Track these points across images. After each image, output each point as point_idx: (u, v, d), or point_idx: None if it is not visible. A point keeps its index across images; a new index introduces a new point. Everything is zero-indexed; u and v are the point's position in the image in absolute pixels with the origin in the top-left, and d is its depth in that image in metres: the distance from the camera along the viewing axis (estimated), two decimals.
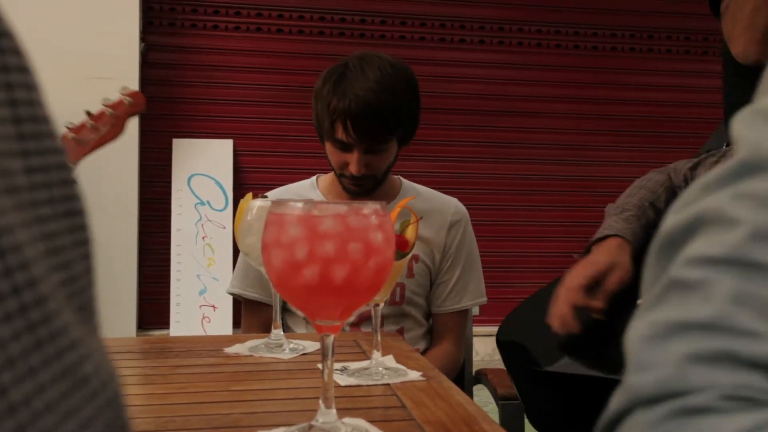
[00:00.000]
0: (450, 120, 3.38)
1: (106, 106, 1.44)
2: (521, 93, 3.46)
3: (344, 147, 1.40)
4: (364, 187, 1.44)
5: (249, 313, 1.50)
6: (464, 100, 3.41)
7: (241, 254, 1.50)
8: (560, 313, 1.07)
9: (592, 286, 1.08)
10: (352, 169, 1.40)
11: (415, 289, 1.48)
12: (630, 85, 3.55)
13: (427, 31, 3.41)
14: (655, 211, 1.17)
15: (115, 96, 1.50)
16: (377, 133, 1.37)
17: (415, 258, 1.48)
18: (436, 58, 3.39)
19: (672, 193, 1.18)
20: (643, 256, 0.98)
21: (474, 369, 1.62)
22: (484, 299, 1.54)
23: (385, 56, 1.42)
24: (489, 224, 3.24)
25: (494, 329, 1.41)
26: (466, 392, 1.55)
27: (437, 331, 1.54)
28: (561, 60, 3.51)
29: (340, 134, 1.38)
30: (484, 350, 2.94)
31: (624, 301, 1.08)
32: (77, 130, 1.42)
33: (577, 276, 1.08)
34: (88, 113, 1.45)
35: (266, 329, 1.42)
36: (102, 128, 1.42)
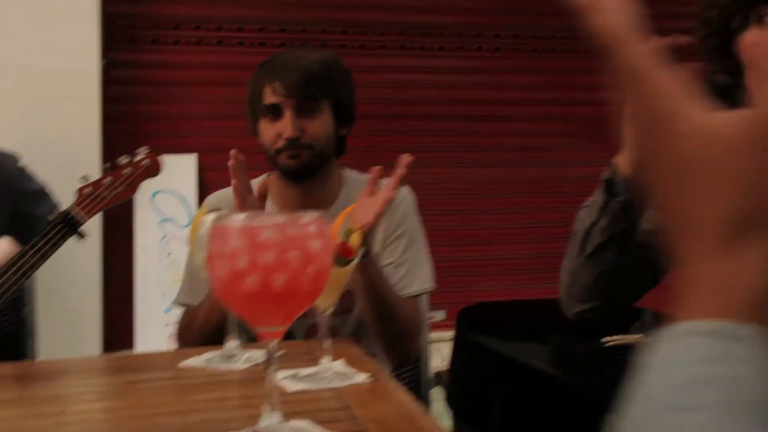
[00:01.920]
0: (409, 126, 3.40)
1: (125, 164, 1.43)
2: (480, 97, 3.50)
3: (275, 112, 1.39)
4: (302, 159, 1.39)
5: None
6: (424, 106, 3.44)
7: (186, 267, 1.52)
8: None
9: None
10: (286, 132, 1.38)
11: None
12: (588, 85, 3.61)
13: (388, 39, 3.44)
14: None
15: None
16: (306, 88, 1.36)
17: None
18: (397, 65, 3.43)
19: None
20: None
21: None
22: (430, 285, 1.46)
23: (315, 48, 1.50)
24: (450, 229, 3.27)
25: None
26: (422, 394, 1.58)
27: None
28: (520, 63, 3.56)
29: (269, 97, 1.38)
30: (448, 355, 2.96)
31: None
32: (95, 185, 1.41)
33: None
34: (106, 169, 1.44)
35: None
36: (119, 187, 1.42)
